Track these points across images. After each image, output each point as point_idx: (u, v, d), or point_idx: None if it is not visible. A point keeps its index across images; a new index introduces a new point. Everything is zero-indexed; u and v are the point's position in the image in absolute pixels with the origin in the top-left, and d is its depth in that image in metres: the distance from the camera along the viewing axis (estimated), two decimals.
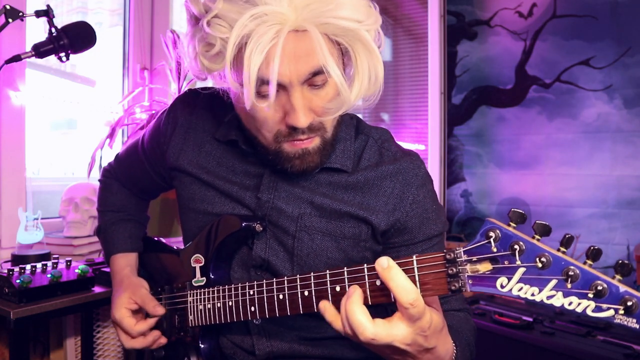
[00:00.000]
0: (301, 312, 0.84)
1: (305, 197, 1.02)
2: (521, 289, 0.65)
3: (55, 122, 2.65)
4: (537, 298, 0.64)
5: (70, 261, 1.78)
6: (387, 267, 0.72)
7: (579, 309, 0.62)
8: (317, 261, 1.01)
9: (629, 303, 0.59)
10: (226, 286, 0.99)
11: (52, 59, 1.40)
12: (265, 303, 0.90)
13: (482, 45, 2.80)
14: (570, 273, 0.62)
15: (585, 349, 1.75)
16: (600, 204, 2.46)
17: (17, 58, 1.34)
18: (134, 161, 1.28)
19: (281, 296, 0.87)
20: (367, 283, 0.77)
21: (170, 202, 2.32)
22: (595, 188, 2.47)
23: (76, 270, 1.75)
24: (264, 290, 0.90)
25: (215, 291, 1.01)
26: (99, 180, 1.40)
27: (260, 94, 0.83)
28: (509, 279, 0.66)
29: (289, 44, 0.79)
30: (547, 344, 1.83)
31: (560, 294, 0.63)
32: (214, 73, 0.87)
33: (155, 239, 1.31)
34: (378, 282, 0.76)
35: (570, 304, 0.62)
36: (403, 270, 0.72)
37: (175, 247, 1.21)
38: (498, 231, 0.67)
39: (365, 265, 0.78)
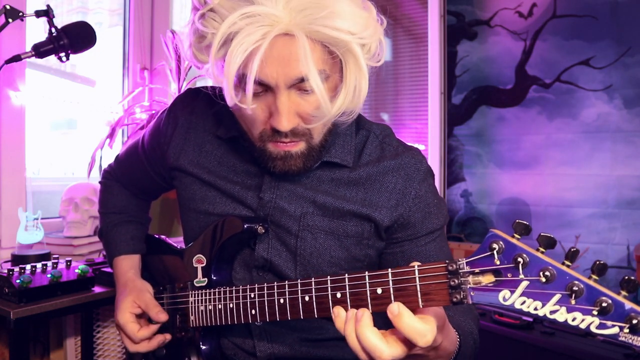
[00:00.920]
0: (302, 317, 0.84)
1: (307, 196, 1.02)
2: (524, 302, 0.64)
3: (55, 122, 2.64)
4: (540, 312, 0.62)
5: (70, 261, 1.78)
6: (398, 314, 0.68)
7: (582, 325, 0.60)
8: (320, 260, 1.01)
9: (634, 321, 0.58)
10: (227, 288, 0.98)
11: (52, 59, 1.40)
12: (266, 307, 0.90)
13: (482, 45, 2.80)
14: (575, 288, 0.60)
15: (585, 349, 1.75)
16: (600, 204, 2.46)
17: (17, 58, 1.34)
18: (134, 162, 1.27)
19: (282, 300, 0.87)
20: (367, 290, 0.76)
21: (170, 202, 2.32)
22: (595, 188, 2.47)
23: (76, 270, 1.75)
24: (265, 294, 0.90)
25: (217, 292, 1.01)
26: (100, 182, 1.40)
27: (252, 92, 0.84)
28: (512, 292, 0.64)
29: (279, 46, 0.79)
30: (547, 344, 1.83)
31: (564, 309, 0.61)
32: (206, 66, 0.87)
33: (157, 237, 1.31)
34: (379, 290, 0.75)
35: (574, 319, 0.61)
36: (405, 278, 0.72)
37: (178, 247, 1.21)
38: (502, 243, 0.65)
39: (366, 272, 0.77)
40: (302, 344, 1.07)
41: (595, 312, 0.60)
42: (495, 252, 0.66)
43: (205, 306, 1.03)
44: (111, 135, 2.25)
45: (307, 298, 0.83)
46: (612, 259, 2.41)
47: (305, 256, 1.01)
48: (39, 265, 1.70)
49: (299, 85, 0.83)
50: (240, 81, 0.81)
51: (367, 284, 0.76)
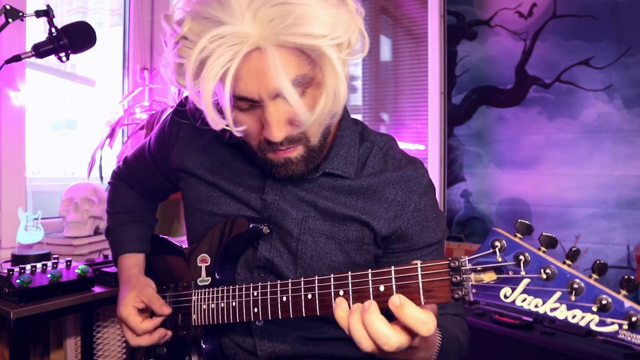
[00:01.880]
0: (304, 315, 0.84)
1: (309, 200, 1.02)
2: (525, 300, 0.65)
3: (55, 122, 2.64)
4: (541, 310, 0.63)
5: (70, 261, 1.78)
6: (400, 305, 0.70)
7: (582, 323, 0.61)
8: (320, 264, 1.01)
9: (634, 319, 0.58)
10: (230, 287, 0.99)
11: (52, 59, 1.40)
12: (269, 305, 0.90)
13: (482, 45, 2.80)
14: (575, 286, 0.61)
15: (585, 349, 1.75)
16: (600, 204, 2.46)
17: (17, 58, 1.34)
18: (142, 164, 1.29)
19: (285, 298, 0.87)
20: (370, 288, 0.77)
21: (170, 203, 2.32)
22: (595, 188, 2.47)
23: (76, 270, 1.75)
24: (268, 292, 0.90)
25: (219, 291, 1.01)
26: (109, 183, 1.41)
27: (239, 108, 0.85)
28: (513, 290, 0.65)
29: (253, 61, 0.78)
30: (547, 344, 1.83)
31: (564, 306, 0.62)
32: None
33: (162, 237, 1.32)
34: (382, 288, 0.76)
35: (574, 317, 0.62)
36: (407, 276, 0.73)
37: (183, 246, 1.21)
38: (504, 241, 0.66)
39: (369, 270, 0.77)
40: (303, 343, 1.07)
41: (595, 309, 0.61)
42: (497, 249, 0.67)
43: (208, 305, 1.03)
44: (111, 135, 2.25)
45: (309, 296, 0.83)
46: (612, 259, 2.41)
47: (306, 259, 1.01)
48: (39, 265, 1.70)
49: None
50: (213, 103, 0.81)
51: (370, 282, 0.77)
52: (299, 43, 0.77)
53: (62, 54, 1.39)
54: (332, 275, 0.81)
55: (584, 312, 0.61)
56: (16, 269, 1.64)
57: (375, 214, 1.01)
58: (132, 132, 2.47)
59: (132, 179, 1.35)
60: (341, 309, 0.75)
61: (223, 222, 1.07)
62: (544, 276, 0.63)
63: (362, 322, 0.72)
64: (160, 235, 1.33)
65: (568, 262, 0.64)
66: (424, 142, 2.98)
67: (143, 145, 1.30)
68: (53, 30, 1.38)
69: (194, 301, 1.08)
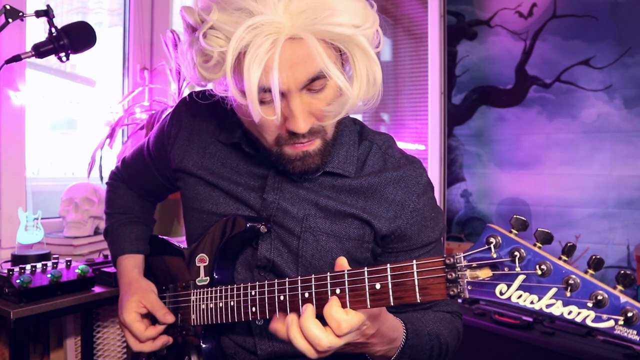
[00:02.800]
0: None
1: (309, 199, 1.03)
2: (520, 296, 0.65)
3: (55, 122, 2.64)
4: (537, 306, 0.63)
5: (70, 261, 1.78)
6: (327, 306, 0.77)
7: (578, 319, 0.61)
8: (321, 262, 1.02)
9: (630, 314, 0.58)
10: (228, 286, 0.99)
11: (52, 59, 1.40)
12: (266, 304, 0.90)
13: (482, 45, 2.80)
14: (571, 282, 0.61)
15: (585, 349, 1.75)
16: (600, 204, 2.46)
17: (17, 58, 1.34)
18: (140, 164, 1.29)
19: (282, 297, 0.87)
20: (366, 286, 0.78)
21: (170, 203, 2.32)
22: (595, 188, 2.47)
23: (76, 270, 1.75)
24: (266, 291, 0.90)
25: (218, 291, 1.01)
26: (107, 183, 1.41)
27: (261, 101, 0.84)
28: (509, 286, 0.65)
29: (285, 52, 0.79)
30: (547, 344, 1.83)
31: (559, 302, 0.62)
32: (210, 84, 0.88)
33: (160, 237, 1.32)
34: (378, 286, 0.76)
35: (569, 313, 0.62)
36: (403, 273, 0.74)
37: (181, 246, 1.21)
38: (499, 237, 0.67)
39: (365, 268, 0.78)
40: None
41: (590, 305, 0.61)
42: (492, 246, 0.67)
43: (207, 304, 1.03)
44: (111, 135, 2.25)
45: (307, 295, 0.84)
46: (612, 259, 2.41)
47: (307, 257, 1.02)
48: (39, 265, 1.70)
49: (309, 85, 0.84)
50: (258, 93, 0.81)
51: (366, 280, 0.78)
52: (335, 32, 0.79)
53: (62, 54, 1.39)
54: (328, 273, 0.82)
55: (580, 308, 0.61)
56: (16, 269, 1.64)
57: (375, 213, 1.02)
58: (132, 132, 2.47)
59: (130, 179, 1.35)
60: (281, 325, 0.82)
61: (221, 222, 1.07)
62: (539, 272, 0.63)
63: (299, 326, 0.78)
64: (159, 236, 1.33)
65: (564, 257, 0.64)
66: (424, 142, 2.98)
67: (142, 145, 1.30)
68: (53, 30, 1.38)
69: (193, 301, 1.08)
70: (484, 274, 0.68)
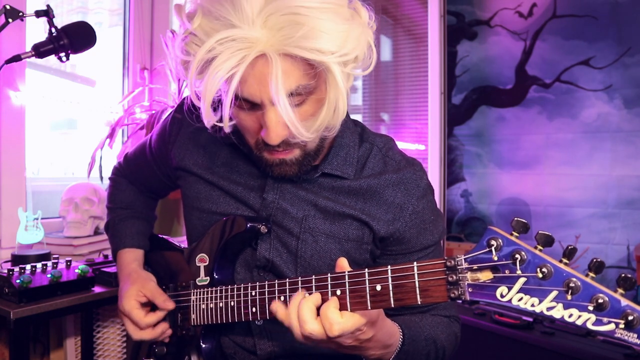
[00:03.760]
0: None
1: (309, 199, 1.03)
2: (521, 299, 0.64)
3: (55, 122, 2.64)
4: (537, 309, 0.63)
5: (70, 261, 1.78)
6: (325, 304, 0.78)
7: (579, 322, 0.61)
8: (320, 263, 1.02)
9: (630, 317, 0.58)
10: (229, 286, 0.99)
11: (52, 59, 1.40)
12: (267, 304, 0.90)
13: (482, 45, 2.80)
14: (572, 285, 0.61)
15: (585, 349, 1.75)
16: (600, 204, 2.46)
17: (17, 58, 1.34)
18: (142, 161, 1.30)
19: (282, 298, 0.87)
20: (367, 288, 0.78)
21: (170, 202, 2.32)
22: (595, 188, 2.47)
23: (76, 270, 1.75)
24: (266, 292, 0.90)
25: (218, 291, 1.01)
26: (109, 179, 1.42)
27: (240, 107, 0.85)
28: (509, 289, 0.65)
29: (259, 66, 0.79)
30: (547, 344, 1.83)
31: (560, 305, 0.62)
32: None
33: (161, 236, 1.32)
34: (378, 287, 0.76)
35: (570, 316, 0.61)
36: (403, 275, 0.74)
37: (182, 246, 1.21)
38: (500, 240, 0.66)
39: (366, 269, 0.78)
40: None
41: (591, 308, 0.60)
42: (493, 248, 0.67)
43: (207, 304, 1.04)
44: (111, 135, 2.25)
45: (307, 296, 0.83)
46: (612, 259, 2.41)
47: (306, 258, 1.02)
48: (39, 265, 1.70)
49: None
50: (212, 103, 0.82)
51: (367, 281, 0.78)
52: (306, 57, 0.77)
53: (62, 54, 1.39)
54: (329, 274, 0.82)
55: (581, 311, 0.61)
56: (16, 269, 1.64)
57: (374, 215, 1.02)
58: (132, 132, 2.47)
59: (132, 175, 1.36)
60: (282, 309, 0.85)
61: (221, 222, 1.07)
62: (540, 275, 0.63)
63: (299, 304, 0.81)
64: (160, 235, 1.33)
65: (565, 260, 0.63)
66: (424, 142, 2.98)
67: (144, 142, 1.30)
68: (53, 30, 1.38)
69: (193, 301, 1.08)
70: (485, 276, 0.67)
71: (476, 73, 2.82)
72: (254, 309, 0.93)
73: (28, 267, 1.68)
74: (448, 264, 0.70)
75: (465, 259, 0.69)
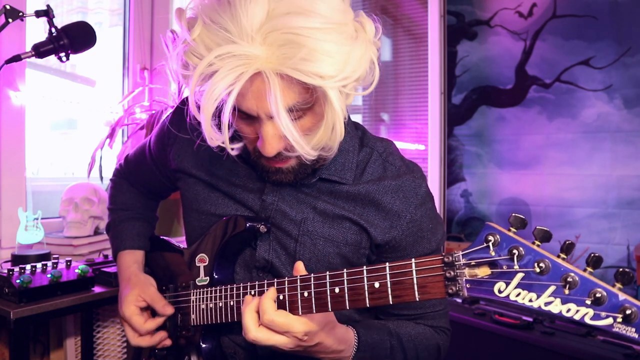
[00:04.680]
0: (300, 313, 0.85)
1: (308, 202, 1.03)
2: (519, 294, 0.64)
3: (55, 122, 2.64)
4: (535, 304, 0.63)
5: (70, 261, 1.78)
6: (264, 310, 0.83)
7: (577, 317, 0.61)
8: (319, 266, 1.02)
9: (628, 312, 0.58)
10: (228, 286, 0.99)
11: (52, 59, 1.40)
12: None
13: (482, 45, 2.80)
14: (569, 279, 0.61)
15: (585, 349, 1.75)
16: (600, 204, 2.46)
17: (17, 58, 1.34)
18: (142, 163, 1.30)
19: (281, 297, 0.87)
20: (365, 285, 0.78)
21: (170, 203, 2.32)
22: (595, 188, 2.47)
23: (76, 270, 1.75)
24: (265, 291, 0.90)
25: (217, 290, 1.01)
26: (110, 180, 1.43)
27: (239, 116, 0.85)
28: (507, 284, 0.65)
29: (257, 82, 0.79)
30: (547, 344, 1.83)
31: (558, 300, 0.62)
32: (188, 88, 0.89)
33: (161, 237, 1.33)
34: (377, 285, 0.77)
35: (568, 310, 0.61)
36: (402, 272, 0.75)
37: (181, 247, 1.21)
38: (498, 235, 0.66)
39: (364, 267, 0.79)
40: None
41: (589, 303, 0.60)
42: (491, 244, 0.67)
43: (207, 304, 1.04)
44: (111, 135, 2.25)
45: (306, 294, 0.84)
46: (612, 259, 2.41)
47: (305, 261, 1.01)
48: (39, 265, 1.70)
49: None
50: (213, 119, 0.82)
51: (365, 279, 0.78)
52: (302, 80, 0.76)
53: (62, 54, 1.39)
54: (327, 272, 0.82)
55: (579, 305, 0.61)
56: (16, 269, 1.64)
57: (372, 221, 1.01)
58: (132, 132, 2.47)
59: (132, 177, 1.36)
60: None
61: (221, 222, 1.07)
62: (538, 270, 0.63)
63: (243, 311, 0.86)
64: (160, 236, 1.33)
65: (562, 255, 0.63)
66: (424, 142, 2.98)
67: (144, 144, 1.30)
68: (53, 30, 1.38)
69: (193, 301, 1.08)
70: (483, 272, 0.68)
71: (476, 73, 2.82)
72: None
73: (28, 267, 1.68)
74: (446, 260, 0.70)
75: (462, 255, 0.69)
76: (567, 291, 0.61)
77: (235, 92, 0.77)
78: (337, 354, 0.91)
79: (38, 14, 1.39)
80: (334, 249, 1.02)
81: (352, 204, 1.02)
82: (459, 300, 2.19)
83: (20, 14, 1.36)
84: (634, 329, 0.58)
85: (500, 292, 0.66)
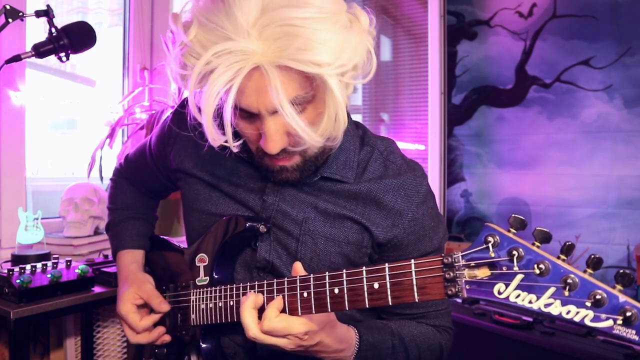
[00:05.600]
0: (299, 314, 0.85)
1: (309, 202, 1.03)
2: (518, 295, 0.64)
3: (55, 122, 2.65)
4: (535, 306, 0.63)
5: (70, 261, 1.78)
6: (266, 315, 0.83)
7: (577, 318, 0.61)
8: (320, 265, 1.02)
9: (628, 314, 0.58)
10: (228, 286, 0.99)
11: (52, 59, 1.40)
12: (265, 304, 0.90)
13: (482, 45, 2.80)
14: (569, 281, 0.61)
15: (585, 349, 1.75)
16: (600, 204, 2.46)
17: (17, 58, 1.34)
18: (143, 163, 1.30)
19: (281, 297, 0.87)
20: (365, 286, 0.78)
21: (170, 203, 2.32)
22: (595, 188, 2.47)
23: (76, 270, 1.75)
24: (265, 291, 0.90)
25: (217, 290, 1.01)
26: (110, 179, 1.42)
27: (240, 116, 0.85)
28: (507, 286, 0.65)
29: (256, 78, 0.79)
30: (547, 344, 1.83)
31: (558, 302, 0.62)
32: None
33: (161, 237, 1.33)
34: (376, 285, 0.77)
35: (568, 312, 0.61)
36: (401, 272, 0.75)
37: (181, 246, 1.21)
38: (497, 237, 0.66)
39: (364, 268, 0.79)
40: None
41: (589, 305, 0.60)
42: (490, 245, 0.66)
43: (206, 304, 1.03)
44: (111, 135, 2.25)
45: (305, 294, 0.84)
46: (612, 259, 2.41)
47: (306, 260, 1.02)
48: (39, 265, 1.70)
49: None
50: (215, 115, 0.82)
51: (365, 279, 0.78)
52: (301, 70, 0.77)
53: (62, 54, 1.39)
54: (327, 273, 0.82)
55: (578, 307, 0.61)
56: (16, 269, 1.64)
57: (373, 220, 1.01)
58: (132, 132, 2.47)
59: (133, 176, 1.37)
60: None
61: (221, 222, 1.07)
62: (538, 271, 0.63)
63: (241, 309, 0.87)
64: (160, 236, 1.33)
65: (562, 257, 0.63)
66: (424, 142, 2.98)
67: (144, 144, 1.30)
68: (53, 30, 1.38)
69: (193, 301, 1.08)
70: (482, 273, 0.67)
71: (476, 73, 2.82)
72: None
73: (28, 267, 1.68)
74: (445, 261, 0.70)
75: (462, 256, 0.69)
76: (567, 293, 0.61)
77: (234, 89, 0.77)
78: (339, 353, 0.92)
79: (38, 14, 1.39)
80: (335, 248, 1.02)
81: (354, 203, 1.02)
82: (459, 301, 2.19)
83: (20, 14, 1.36)
84: (634, 331, 0.58)
85: (499, 293, 0.65)
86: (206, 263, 1.08)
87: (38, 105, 2.27)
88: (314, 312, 0.83)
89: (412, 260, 0.74)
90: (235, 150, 0.87)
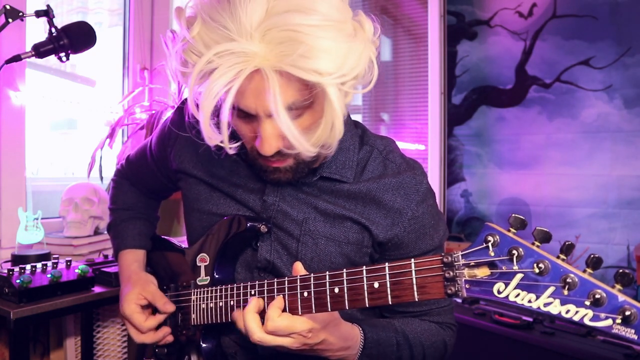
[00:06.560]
0: (300, 313, 0.85)
1: (309, 202, 1.03)
2: (518, 295, 0.64)
3: (55, 122, 2.65)
4: (534, 305, 0.63)
5: (70, 261, 1.78)
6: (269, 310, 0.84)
7: (576, 318, 0.61)
8: (320, 265, 1.02)
9: (627, 313, 0.58)
10: (228, 286, 0.99)
11: (52, 59, 1.40)
12: (266, 304, 0.90)
13: (482, 45, 2.80)
14: (569, 280, 0.61)
15: (585, 349, 1.75)
16: (600, 204, 2.46)
17: (17, 58, 1.35)
18: (143, 163, 1.30)
19: (281, 296, 0.87)
20: (365, 285, 0.78)
21: (170, 203, 2.32)
22: (595, 188, 2.47)
23: (76, 270, 1.75)
24: (265, 291, 0.90)
25: (218, 290, 1.02)
26: (112, 180, 1.43)
27: (237, 115, 0.85)
28: (506, 285, 0.65)
29: (256, 80, 0.78)
30: (547, 344, 1.83)
31: (557, 301, 0.62)
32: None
33: (162, 237, 1.33)
34: (376, 285, 0.77)
35: (567, 312, 0.61)
36: (401, 272, 0.75)
37: (182, 246, 1.21)
38: (497, 236, 0.66)
39: (364, 267, 0.79)
40: None
41: (588, 304, 0.60)
42: (490, 244, 0.67)
43: (207, 304, 1.04)
44: (111, 135, 2.25)
45: (305, 294, 0.84)
46: (612, 259, 2.41)
47: (306, 261, 1.02)
48: (39, 265, 1.70)
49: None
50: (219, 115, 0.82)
51: (365, 279, 0.78)
52: (302, 77, 0.76)
53: (62, 54, 1.39)
54: (327, 272, 0.82)
55: (578, 306, 0.61)
56: (16, 269, 1.64)
57: (373, 219, 1.01)
58: (132, 132, 2.47)
59: (134, 177, 1.37)
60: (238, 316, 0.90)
61: (221, 222, 1.07)
62: (537, 271, 0.63)
63: (242, 315, 0.87)
64: (161, 236, 1.33)
65: (562, 256, 0.63)
66: (424, 142, 2.98)
67: (145, 144, 1.30)
68: (53, 30, 1.38)
69: (193, 300, 1.08)
70: (482, 272, 0.68)
71: (476, 73, 2.82)
72: None
73: (28, 267, 1.68)
74: (445, 260, 0.70)
75: (462, 255, 0.69)
76: (566, 292, 0.61)
77: (234, 90, 0.77)
78: (344, 351, 0.92)
79: (38, 14, 1.39)
80: (335, 248, 1.02)
81: (353, 202, 1.02)
82: (459, 300, 2.19)
83: (20, 14, 1.36)
84: (633, 330, 0.58)
85: (499, 292, 0.65)
86: (207, 263, 1.08)
87: (38, 105, 2.27)
88: (314, 311, 0.83)
89: (412, 260, 0.74)
90: (231, 152, 0.87)
